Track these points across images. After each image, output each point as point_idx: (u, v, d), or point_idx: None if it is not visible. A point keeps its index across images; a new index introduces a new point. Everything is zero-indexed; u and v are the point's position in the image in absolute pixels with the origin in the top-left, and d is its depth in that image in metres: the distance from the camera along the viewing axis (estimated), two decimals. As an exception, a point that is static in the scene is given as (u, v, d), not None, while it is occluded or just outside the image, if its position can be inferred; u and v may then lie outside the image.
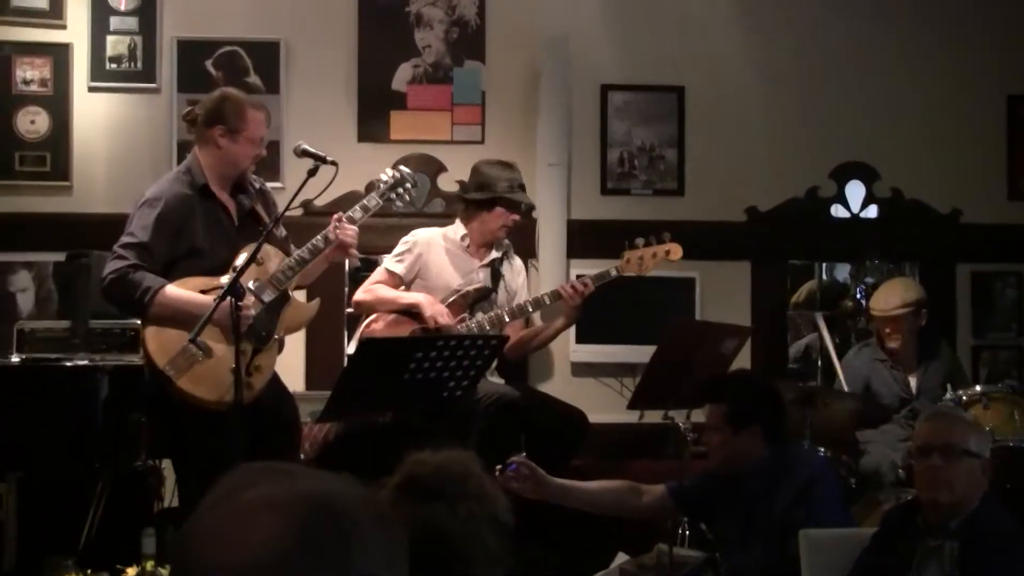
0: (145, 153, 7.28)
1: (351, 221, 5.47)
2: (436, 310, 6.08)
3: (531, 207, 6.69)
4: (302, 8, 7.41)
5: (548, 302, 6.22)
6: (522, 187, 6.48)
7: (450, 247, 6.40)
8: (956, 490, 3.85)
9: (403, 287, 6.29)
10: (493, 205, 6.37)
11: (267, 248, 5.23)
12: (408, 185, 5.68)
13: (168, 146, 7.25)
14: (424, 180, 7.33)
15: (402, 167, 5.85)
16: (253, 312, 5.08)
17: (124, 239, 5.14)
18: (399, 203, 5.74)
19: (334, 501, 1.32)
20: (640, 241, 6.25)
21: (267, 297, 5.23)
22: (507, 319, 6.18)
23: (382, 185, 5.65)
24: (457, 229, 6.44)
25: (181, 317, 4.96)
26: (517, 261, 6.67)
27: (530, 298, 6.31)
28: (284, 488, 1.31)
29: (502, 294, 6.45)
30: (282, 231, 5.51)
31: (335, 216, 5.46)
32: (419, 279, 6.33)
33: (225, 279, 5.02)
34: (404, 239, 6.33)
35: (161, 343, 5.06)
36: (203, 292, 5.10)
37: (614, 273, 6.25)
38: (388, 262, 6.33)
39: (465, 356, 4.92)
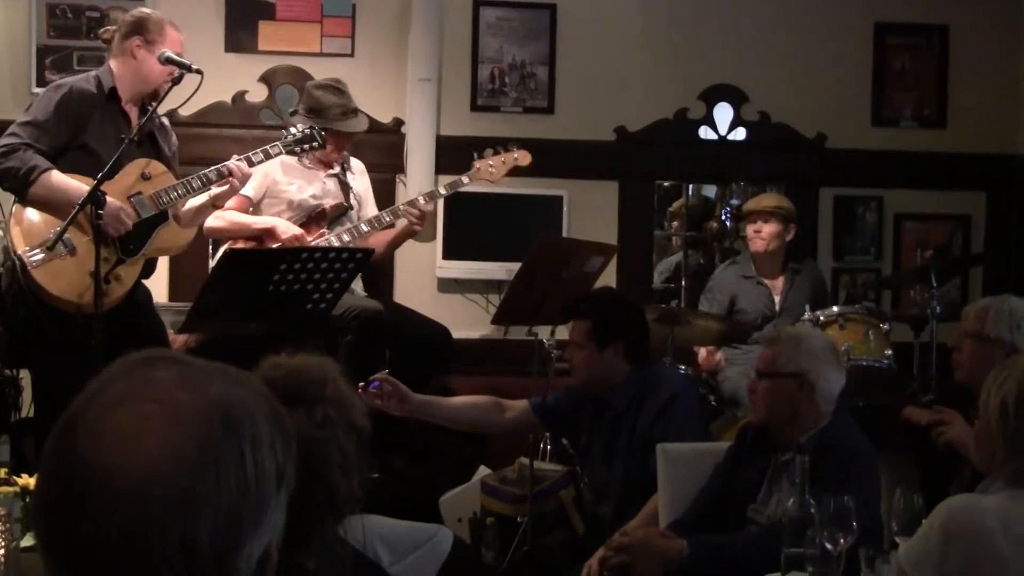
0: (3, 57, 7.08)
1: (249, 163, 5.51)
2: (292, 232, 6.02)
3: (361, 131, 6.54)
4: (169, -88, 7.22)
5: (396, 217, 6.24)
6: (355, 111, 6.39)
7: (296, 163, 6.30)
8: (768, 411, 4.01)
9: (252, 209, 6.21)
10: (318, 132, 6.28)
11: (159, 167, 5.29)
12: (315, 145, 5.74)
13: (27, 50, 7.05)
14: (292, 93, 7.25)
15: (316, 129, 5.81)
16: (130, 224, 5.12)
17: (22, 117, 5.15)
18: (302, 157, 5.96)
19: (235, 411, 1.31)
20: (489, 151, 6.35)
21: (145, 212, 5.21)
22: (365, 228, 6.15)
23: (290, 136, 5.68)
24: None
25: (60, 204, 4.94)
26: (356, 163, 6.59)
27: (386, 210, 6.29)
28: (187, 395, 1.30)
29: (354, 204, 6.40)
30: (173, 149, 5.55)
31: (235, 156, 5.49)
32: (268, 198, 6.27)
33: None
34: None
35: (28, 228, 5.02)
36: None
37: (466, 181, 6.36)
38: None
39: (330, 269, 4.90)
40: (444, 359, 6.46)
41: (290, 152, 5.71)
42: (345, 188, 6.37)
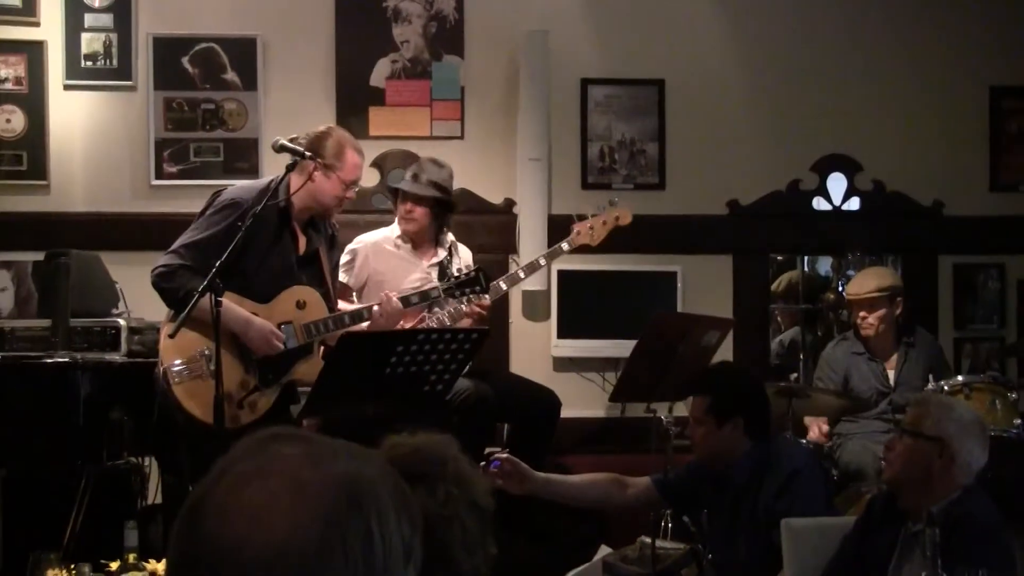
0: (123, 151, 7.24)
1: (406, 304, 5.49)
2: (391, 320, 5.68)
3: (407, 193, 6.27)
4: (279, 3, 7.35)
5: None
6: (415, 177, 6.25)
7: (394, 250, 6.28)
8: (901, 470, 3.95)
9: (353, 297, 6.17)
10: (394, 198, 6.35)
11: (314, 297, 5.31)
12: (479, 289, 5.51)
13: (146, 144, 7.20)
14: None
15: (483, 272, 5.57)
16: (280, 347, 5.17)
17: (188, 237, 5.19)
18: (461, 304, 5.69)
19: (361, 487, 1.31)
20: (590, 213, 6.29)
21: (291, 343, 5.23)
22: (464, 308, 5.86)
23: (452, 280, 5.54)
24: (395, 228, 6.36)
25: (210, 323, 4.84)
26: (464, 250, 6.47)
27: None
28: (313, 472, 1.30)
29: None
30: (336, 260, 5.62)
31: (386, 292, 5.52)
32: (369, 287, 6.21)
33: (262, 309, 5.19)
34: (347, 247, 6.21)
35: (177, 342, 5.02)
36: None
37: (566, 248, 6.26)
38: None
39: (446, 350, 4.89)
40: (555, 423, 6.37)
41: (450, 296, 5.54)
42: (445, 277, 6.26)
